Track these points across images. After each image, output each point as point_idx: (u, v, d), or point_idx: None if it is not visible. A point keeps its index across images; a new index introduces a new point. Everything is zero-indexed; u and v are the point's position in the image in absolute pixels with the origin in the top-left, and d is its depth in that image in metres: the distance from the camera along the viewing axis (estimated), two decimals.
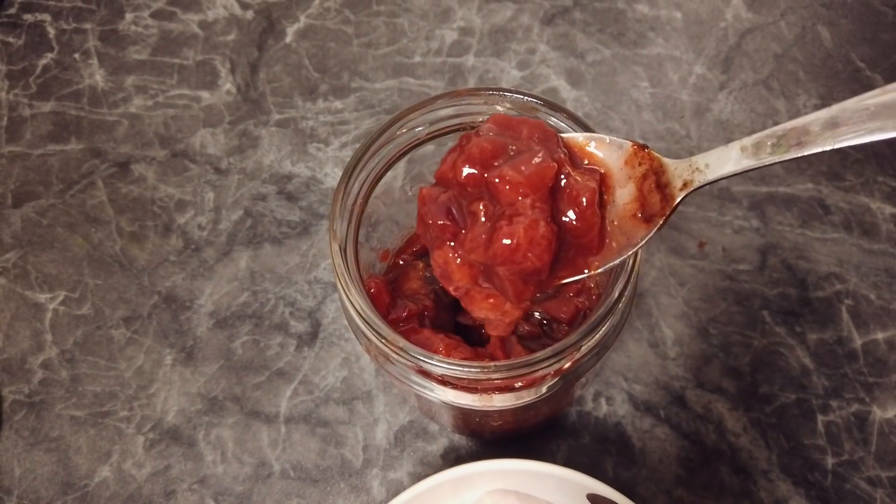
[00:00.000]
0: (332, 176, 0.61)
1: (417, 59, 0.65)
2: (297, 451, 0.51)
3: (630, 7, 0.66)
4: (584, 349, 0.34)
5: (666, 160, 0.34)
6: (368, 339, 0.36)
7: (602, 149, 0.36)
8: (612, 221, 0.35)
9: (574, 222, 0.33)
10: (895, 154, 0.58)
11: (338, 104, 0.64)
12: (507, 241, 0.32)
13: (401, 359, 0.34)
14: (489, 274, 0.35)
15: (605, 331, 0.34)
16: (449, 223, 0.34)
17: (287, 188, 0.60)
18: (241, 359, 0.54)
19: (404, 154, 0.40)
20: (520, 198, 0.32)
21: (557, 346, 0.33)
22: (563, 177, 0.33)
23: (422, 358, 0.33)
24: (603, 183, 0.35)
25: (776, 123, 0.59)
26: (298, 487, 0.50)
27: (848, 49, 0.63)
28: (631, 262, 0.35)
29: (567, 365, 0.35)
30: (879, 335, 0.52)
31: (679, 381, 0.52)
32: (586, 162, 0.36)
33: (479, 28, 0.66)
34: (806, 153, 0.30)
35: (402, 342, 0.34)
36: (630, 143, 0.35)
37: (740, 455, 0.50)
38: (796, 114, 0.60)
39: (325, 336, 0.55)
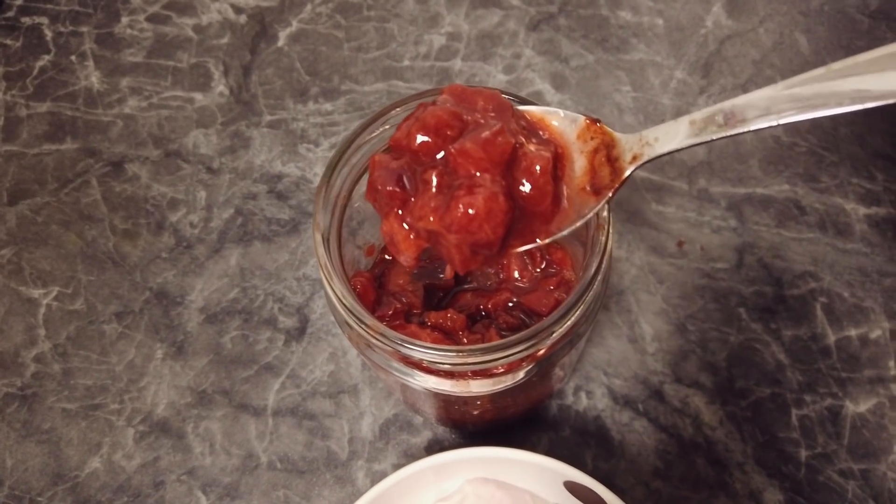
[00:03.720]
0: (320, 175, 0.62)
1: (406, 62, 0.67)
2: (284, 444, 0.52)
3: (613, 14, 0.68)
4: (556, 334, 0.35)
5: (617, 135, 0.35)
6: (350, 327, 0.37)
7: (557, 122, 0.37)
8: (565, 193, 0.36)
9: (528, 191, 0.34)
10: (869, 156, 0.60)
11: (328, 106, 0.65)
12: (464, 210, 0.33)
13: (381, 345, 0.35)
14: (436, 242, 0.35)
15: (577, 317, 0.35)
16: (399, 190, 0.35)
17: (277, 187, 0.62)
18: (231, 353, 0.56)
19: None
20: (478, 172, 0.33)
21: (530, 330, 0.34)
22: (518, 146, 0.34)
23: (400, 343, 0.35)
24: (558, 156, 0.36)
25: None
26: (285, 479, 0.51)
27: (824, 55, 0.65)
28: (601, 252, 0.36)
29: (542, 351, 0.37)
30: (852, 332, 0.54)
31: (657, 375, 0.53)
32: (543, 134, 0.37)
33: (466, 33, 0.68)
34: (753, 128, 0.31)
35: (382, 328, 0.35)
36: (583, 118, 0.36)
37: (716, 448, 0.51)
38: None
39: (313, 331, 0.56)
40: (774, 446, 0.51)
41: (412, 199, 0.35)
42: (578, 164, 0.36)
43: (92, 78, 0.68)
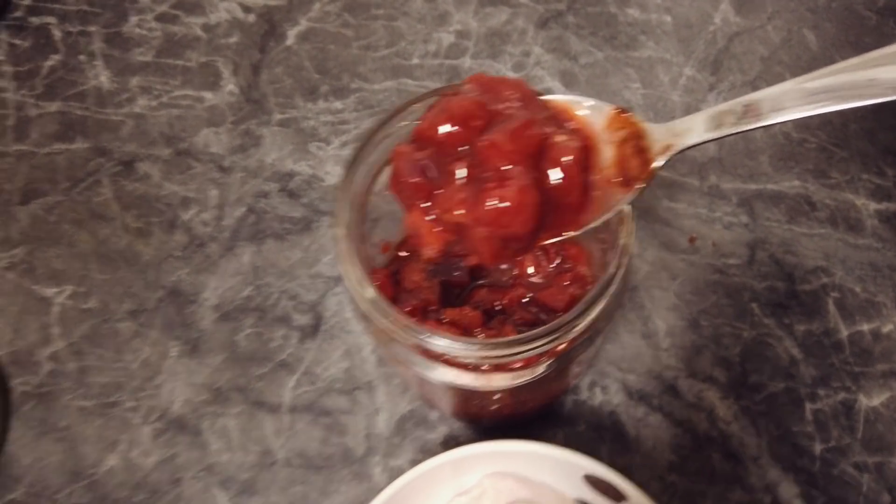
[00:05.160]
0: (332, 174, 0.62)
1: (415, 61, 0.67)
2: (300, 440, 0.53)
3: (622, 11, 0.68)
4: (578, 328, 0.35)
5: (646, 125, 0.35)
6: (373, 321, 0.37)
7: (583, 112, 0.36)
8: (594, 185, 0.35)
9: (557, 183, 0.34)
10: (879, 152, 0.60)
11: (338, 104, 0.65)
12: (496, 203, 0.32)
13: (405, 338, 0.36)
14: (463, 234, 0.35)
15: (599, 312, 0.36)
16: (424, 182, 0.34)
17: (289, 186, 0.62)
18: (245, 350, 0.56)
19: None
20: (507, 164, 0.33)
21: (553, 324, 0.35)
22: (547, 136, 0.34)
23: (425, 336, 0.35)
24: (586, 147, 0.35)
25: None
26: (302, 475, 0.52)
27: (832, 52, 0.65)
28: (622, 246, 0.36)
29: (563, 345, 0.37)
30: (865, 326, 0.54)
31: (671, 370, 0.53)
32: (570, 124, 0.36)
33: (475, 31, 0.68)
34: (791, 117, 0.31)
35: (407, 321, 0.35)
36: (611, 107, 0.36)
37: (731, 442, 0.51)
38: None
39: (327, 329, 0.56)
40: (789, 440, 0.51)
41: (438, 191, 0.35)
42: (606, 154, 0.35)
43: (101, 77, 0.68)
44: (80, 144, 0.65)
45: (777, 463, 0.50)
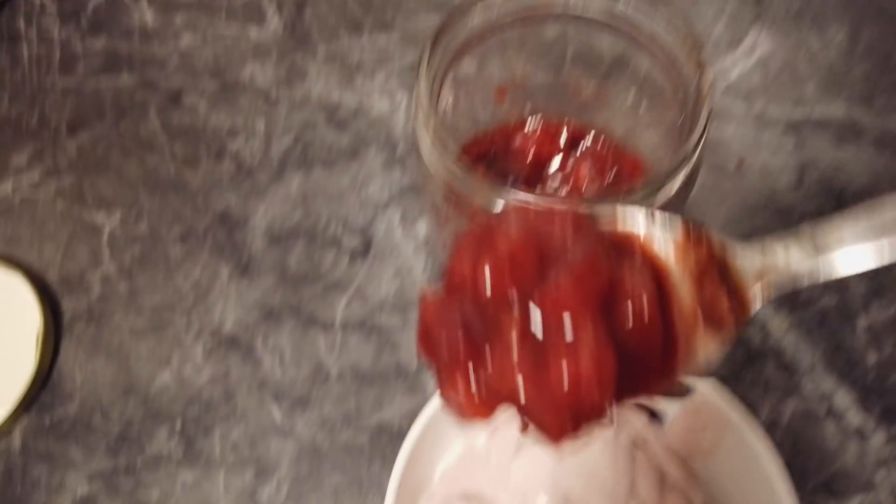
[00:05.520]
0: (377, 105, 0.63)
1: None
2: (353, 356, 0.53)
3: None
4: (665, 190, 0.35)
5: (729, 246, 0.27)
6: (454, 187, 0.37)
7: (647, 232, 0.29)
8: (674, 328, 0.27)
9: (632, 333, 0.26)
10: None
11: (382, 39, 0.66)
12: (568, 376, 0.25)
13: (489, 198, 0.35)
14: (521, 406, 0.27)
15: (682, 181, 0.36)
16: (466, 345, 0.26)
17: (336, 116, 0.62)
18: (297, 272, 0.56)
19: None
20: (572, 318, 0.25)
21: (633, 185, 0.35)
22: (615, 278, 0.26)
23: (511, 192, 0.34)
24: (661, 283, 0.27)
25: (808, 53, 0.61)
26: (356, 388, 0.52)
27: None
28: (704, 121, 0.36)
29: None
30: None
31: None
32: (636, 255, 0.28)
33: None
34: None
35: (492, 179, 0.35)
36: (681, 223, 0.28)
37: (785, 354, 0.51)
38: (827, 44, 0.62)
39: (377, 252, 0.56)
40: (843, 352, 0.51)
41: (482, 354, 0.27)
42: (683, 287, 0.28)
43: (146, 16, 0.69)
44: (125, 78, 0.65)
45: (832, 374, 0.50)
